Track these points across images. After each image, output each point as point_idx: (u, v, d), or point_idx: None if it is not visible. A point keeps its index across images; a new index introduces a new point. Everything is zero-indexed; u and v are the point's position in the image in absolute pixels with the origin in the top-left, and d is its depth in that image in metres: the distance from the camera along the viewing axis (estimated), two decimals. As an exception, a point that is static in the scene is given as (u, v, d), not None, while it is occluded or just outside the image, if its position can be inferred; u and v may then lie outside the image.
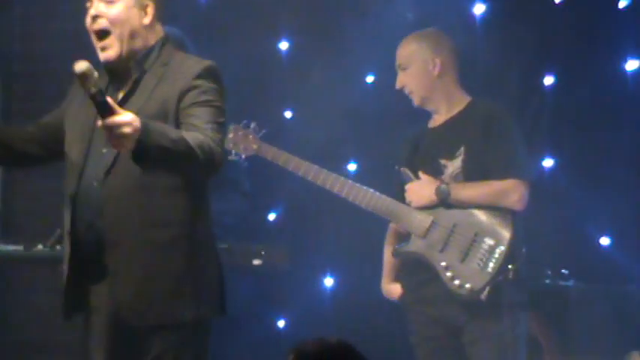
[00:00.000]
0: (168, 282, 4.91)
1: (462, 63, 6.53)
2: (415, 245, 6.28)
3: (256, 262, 6.65)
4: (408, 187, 6.34)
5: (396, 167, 6.46)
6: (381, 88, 6.92)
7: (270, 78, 7.37)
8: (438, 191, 6.20)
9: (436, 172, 6.30)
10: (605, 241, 7.37)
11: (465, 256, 6.17)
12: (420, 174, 6.31)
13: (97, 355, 5.03)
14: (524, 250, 6.22)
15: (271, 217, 7.75)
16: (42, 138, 5.17)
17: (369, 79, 7.63)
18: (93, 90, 4.49)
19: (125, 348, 5.01)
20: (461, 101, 6.42)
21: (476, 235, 6.15)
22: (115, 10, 4.97)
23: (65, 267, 5.01)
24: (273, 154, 6.38)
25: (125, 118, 4.51)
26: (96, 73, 4.51)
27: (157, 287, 4.90)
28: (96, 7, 4.96)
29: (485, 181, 6.22)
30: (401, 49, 6.51)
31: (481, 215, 6.19)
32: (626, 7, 7.54)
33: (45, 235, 6.97)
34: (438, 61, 6.40)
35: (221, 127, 5.00)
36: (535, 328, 6.77)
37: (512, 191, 6.15)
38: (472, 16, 7.52)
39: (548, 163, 7.35)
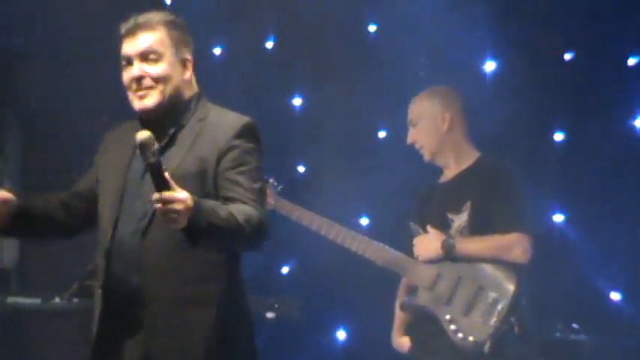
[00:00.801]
0: (204, 339, 4.83)
1: (472, 119, 6.61)
2: (422, 298, 6.38)
3: (270, 315, 6.70)
4: (415, 240, 6.44)
5: (407, 222, 6.56)
6: (393, 143, 6.99)
7: (284, 133, 7.37)
8: (444, 245, 6.29)
9: (444, 225, 6.40)
10: (615, 296, 7.36)
11: (469, 309, 6.23)
12: (428, 228, 6.40)
13: None
14: (525, 303, 6.25)
15: (284, 270, 7.75)
16: (76, 205, 5.08)
17: (381, 134, 7.68)
18: (152, 160, 4.46)
19: None
20: (470, 156, 6.52)
21: (480, 288, 6.23)
22: (159, 69, 4.90)
23: (96, 321, 4.91)
24: (288, 208, 6.43)
25: (180, 195, 4.45)
26: (157, 144, 4.49)
27: (194, 343, 4.82)
28: (140, 68, 4.90)
29: (490, 236, 6.28)
30: (412, 105, 6.62)
31: (486, 268, 6.26)
32: (635, 65, 7.58)
33: (61, 288, 7.00)
34: (447, 116, 6.50)
35: (262, 192, 4.93)
36: None
37: (516, 245, 6.21)
38: (483, 73, 7.60)
39: (558, 218, 7.39)
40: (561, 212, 7.44)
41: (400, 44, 7.49)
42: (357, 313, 7.50)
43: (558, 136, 7.59)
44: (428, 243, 6.37)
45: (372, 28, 7.87)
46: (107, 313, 4.88)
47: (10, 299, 7.15)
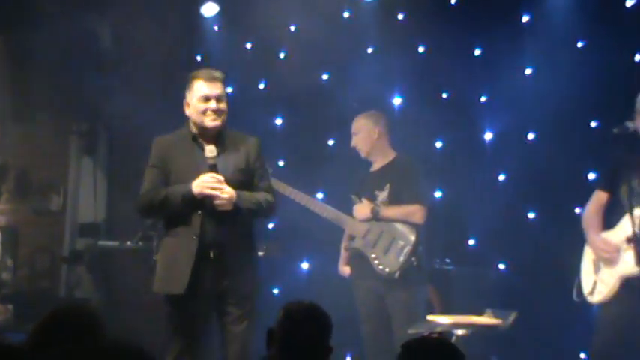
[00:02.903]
0: (250, 269, 5.11)
1: (391, 132, 6.48)
2: (357, 243, 6.37)
3: (260, 253, 6.64)
4: (355, 207, 6.40)
5: (349, 195, 6.49)
6: (343, 147, 6.74)
7: (270, 144, 6.57)
8: (372, 210, 6.31)
9: (373, 198, 6.36)
10: (471, 241, 7.39)
11: (386, 251, 6.24)
12: (363, 199, 6.37)
13: (196, 327, 5.04)
14: (421, 248, 6.24)
15: (270, 226, 7.60)
16: None
17: (330, 142, 7.60)
18: (212, 162, 4.98)
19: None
20: (390, 155, 6.45)
21: (394, 238, 6.24)
22: (225, 106, 5.10)
23: (192, 259, 4.93)
24: (276, 185, 6.11)
25: (229, 193, 4.94)
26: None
27: (247, 280, 5.07)
28: (218, 106, 5.04)
29: (400, 206, 6.28)
30: (354, 123, 6.51)
31: (398, 226, 6.26)
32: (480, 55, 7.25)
33: (132, 235, 6.91)
34: (377, 130, 6.43)
35: (270, 184, 5.30)
36: (430, 295, 6.74)
37: (416, 212, 6.24)
38: (392, 105, 7.53)
39: (438, 194, 7.30)
40: (440, 191, 7.36)
41: (341, 86, 7.35)
42: (317, 251, 7.36)
43: (438, 144, 7.48)
44: (362, 209, 6.36)
45: (325, 76, 7.69)
46: (200, 253, 4.98)
47: (100, 242, 7.13)
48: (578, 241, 5.74)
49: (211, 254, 5.00)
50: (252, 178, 5.18)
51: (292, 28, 7.72)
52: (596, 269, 5.60)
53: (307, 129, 6.89)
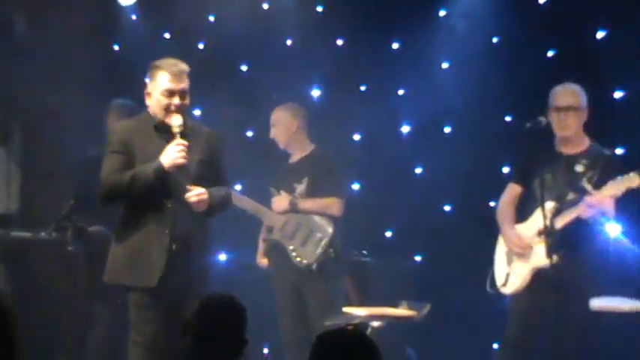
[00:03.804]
0: (205, 248, 5.12)
1: (309, 124, 6.48)
2: (276, 235, 6.37)
3: None
4: (273, 199, 6.41)
5: (267, 187, 6.47)
6: (263, 138, 6.70)
7: None
8: (290, 202, 6.32)
9: (291, 190, 6.37)
10: (388, 233, 7.45)
11: (304, 243, 6.26)
12: (281, 191, 6.38)
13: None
14: (339, 240, 6.26)
15: None
16: None
17: (249, 133, 7.55)
18: (178, 130, 4.85)
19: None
20: (308, 147, 6.46)
21: (311, 230, 6.26)
22: (188, 101, 4.98)
23: (165, 253, 4.86)
24: None
25: (203, 195, 4.88)
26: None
27: (203, 276, 5.05)
28: (182, 102, 4.91)
29: (318, 198, 6.29)
30: (273, 114, 6.49)
31: (315, 218, 6.28)
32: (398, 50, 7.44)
33: (46, 226, 6.68)
34: (295, 122, 6.42)
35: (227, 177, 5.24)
36: (348, 287, 6.73)
37: (334, 204, 6.27)
38: (312, 97, 7.49)
39: (356, 186, 7.30)
40: (358, 183, 7.35)
41: (260, 78, 7.29)
42: (234, 243, 7.23)
43: (357, 137, 7.49)
44: (281, 201, 6.37)
45: (244, 67, 7.62)
46: (173, 234, 4.89)
47: (13, 233, 6.94)
48: (492, 233, 5.80)
49: (175, 247, 4.91)
50: (214, 171, 5.11)
51: (211, 18, 7.63)
52: (509, 261, 5.67)
53: (226, 120, 6.83)
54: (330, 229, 6.29)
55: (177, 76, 4.95)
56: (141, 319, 4.98)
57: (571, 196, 5.49)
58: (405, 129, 7.47)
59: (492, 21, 7.09)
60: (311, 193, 6.38)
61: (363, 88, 7.55)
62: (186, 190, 4.92)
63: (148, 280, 4.90)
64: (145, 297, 4.94)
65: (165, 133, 4.97)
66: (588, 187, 5.43)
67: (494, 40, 7.20)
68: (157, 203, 4.91)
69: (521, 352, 5.56)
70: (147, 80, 5.05)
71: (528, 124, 5.37)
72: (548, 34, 6.90)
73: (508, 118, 7.10)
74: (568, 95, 5.55)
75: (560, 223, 5.37)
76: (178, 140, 4.87)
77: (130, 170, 4.90)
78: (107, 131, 6.54)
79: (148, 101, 5.04)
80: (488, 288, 5.72)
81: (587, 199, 5.31)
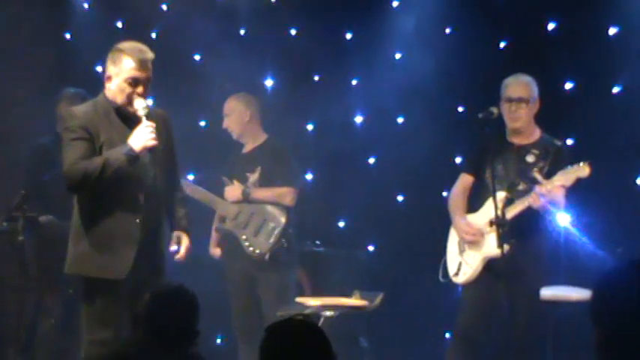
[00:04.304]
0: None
1: (263, 114, 6.48)
2: (228, 225, 6.35)
3: None
4: (226, 188, 6.39)
5: (221, 177, 6.46)
6: (214, 128, 6.72)
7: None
8: (243, 192, 6.32)
9: (244, 180, 6.36)
10: (341, 223, 7.49)
11: (257, 232, 6.26)
12: (234, 181, 6.36)
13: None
14: (291, 230, 6.29)
15: None
16: None
17: (202, 123, 7.47)
18: (145, 112, 4.69)
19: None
20: (261, 137, 6.45)
21: (264, 220, 6.26)
22: (148, 90, 4.82)
23: (135, 244, 4.71)
24: None
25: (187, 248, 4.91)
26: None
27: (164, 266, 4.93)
28: (145, 91, 4.76)
29: (271, 188, 6.30)
30: (226, 104, 6.47)
31: (268, 208, 6.28)
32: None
33: None
34: (248, 112, 6.41)
35: None
36: (300, 277, 6.80)
37: (287, 194, 6.29)
38: (265, 86, 7.47)
39: (309, 176, 7.34)
40: (311, 173, 7.34)
41: (213, 67, 7.16)
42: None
43: (310, 127, 7.50)
44: (233, 190, 6.36)
45: (197, 57, 7.53)
46: (144, 224, 4.76)
47: None
48: (444, 223, 5.82)
49: (146, 237, 4.79)
50: (171, 154, 5.00)
51: (164, 7, 7.56)
52: (461, 251, 5.71)
53: (179, 110, 6.77)
54: (283, 219, 6.30)
55: (143, 64, 4.77)
56: (102, 313, 4.75)
57: (522, 186, 5.53)
58: (358, 119, 7.49)
59: (445, 12, 7.13)
60: (264, 182, 6.37)
61: (316, 78, 7.54)
62: (155, 178, 4.82)
63: (117, 271, 4.72)
64: (111, 288, 4.73)
65: (125, 118, 4.81)
66: (539, 177, 5.47)
67: (447, 30, 7.23)
68: (126, 192, 4.75)
69: (473, 341, 5.59)
70: (108, 63, 4.83)
71: (480, 115, 5.39)
72: (500, 26, 6.95)
73: (460, 109, 7.16)
74: (519, 87, 5.58)
75: (511, 213, 5.40)
76: (147, 122, 4.72)
77: (99, 156, 4.72)
78: (60, 119, 6.53)
79: (108, 84, 4.83)
80: (440, 277, 5.75)
81: (538, 188, 5.33)
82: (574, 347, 5.54)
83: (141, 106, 4.74)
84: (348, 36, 7.48)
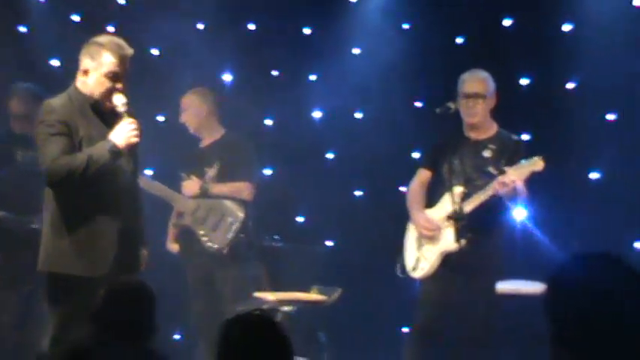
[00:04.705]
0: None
1: (220, 108, 6.45)
2: (186, 220, 6.35)
3: None
4: (183, 183, 6.39)
5: (178, 172, 6.47)
6: (174, 122, 6.65)
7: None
8: (201, 187, 6.31)
9: (202, 175, 6.35)
10: (300, 218, 7.48)
11: (215, 227, 6.25)
12: (192, 176, 6.36)
13: None
14: (250, 224, 6.30)
15: None
16: None
17: (160, 118, 7.41)
18: (125, 108, 4.70)
19: None
20: (219, 132, 6.45)
21: (222, 215, 6.25)
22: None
23: (115, 240, 4.67)
24: None
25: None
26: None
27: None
28: (121, 84, 4.74)
29: (229, 183, 6.29)
30: (184, 98, 6.47)
31: (227, 203, 6.27)
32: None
33: None
34: (205, 107, 6.41)
35: None
36: (259, 272, 6.63)
37: (245, 189, 6.29)
38: (222, 81, 7.42)
39: (267, 171, 7.30)
40: (270, 168, 7.30)
41: (171, 62, 7.18)
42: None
43: (268, 121, 7.45)
44: (191, 185, 6.35)
45: (155, 51, 7.44)
46: (123, 220, 4.73)
47: None
48: (402, 218, 5.83)
49: (125, 233, 4.76)
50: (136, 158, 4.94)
51: (122, 0, 7.51)
52: (419, 246, 5.73)
53: (137, 104, 6.72)
54: (241, 214, 6.29)
55: (124, 59, 4.76)
56: (76, 311, 4.57)
57: (479, 180, 5.56)
58: (317, 114, 7.48)
59: (402, 7, 7.15)
60: (222, 177, 6.36)
61: (274, 73, 7.52)
62: (132, 174, 4.83)
63: (98, 269, 4.64)
64: (89, 286, 4.54)
65: (102, 114, 4.77)
66: (495, 171, 5.50)
67: (405, 26, 7.26)
68: (105, 188, 4.69)
69: (430, 335, 5.61)
70: (85, 56, 4.78)
71: (438, 110, 5.43)
72: (457, 21, 6.98)
73: (418, 104, 7.18)
74: (475, 83, 5.62)
75: (468, 207, 5.44)
76: (129, 119, 4.71)
77: (82, 152, 4.65)
78: (13, 115, 6.45)
79: (83, 79, 4.77)
80: (398, 272, 5.77)
81: (501, 177, 5.35)
82: (530, 340, 5.55)
83: (120, 102, 4.73)
84: (307, 31, 7.47)
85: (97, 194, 4.67)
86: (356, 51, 7.38)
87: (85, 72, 4.76)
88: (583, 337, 2.22)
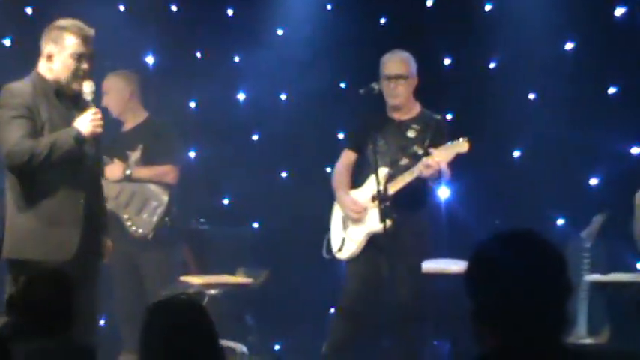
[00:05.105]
0: None
1: (144, 91, 6.40)
2: (109, 205, 5.97)
3: None
4: (106, 168, 6.12)
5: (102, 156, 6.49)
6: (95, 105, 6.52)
7: None
8: (123, 171, 6.25)
9: (125, 159, 6.29)
10: (225, 201, 7.41)
11: (139, 211, 6.20)
12: (115, 160, 6.28)
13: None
14: (175, 208, 6.25)
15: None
16: None
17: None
18: (91, 97, 4.73)
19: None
20: (142, 116, 6.39)
21: (146, 199, 6.20)
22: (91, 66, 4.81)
23: (80, 224, 4.67)
24: None
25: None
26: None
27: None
28: (90, 67, 4.77)
29: (153, 166, 6.25)
30: (106, 81, 6.33)
31: (151, 187, 6.22)
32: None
33: None
34: (128, 89, 6.35)
35: None
36: (186, 256, 6.77)
37: (169, 173, 6.24)
38: (146, 64, 7.37)
39: (192, 154, 7.23)
40: (194, 151, 7.29)
41: (94, 45, 7.05)
42: None
43: (192, 104, 7.38)
44: (114, 169, 6.27)
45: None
46: (87, 205, 4.73)
47: None
48: (328, 199, 5.85)
49: (89, 217, 4.76)
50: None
51: (41, -18, 7.34)
52: (345, 227, 5.74)
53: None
54: (166, 198, 6.25)
55: (86, 39, 4.78)
56: None
57: (404, 161, 5.59)
58: (241, 96, 7.47)
59: (326, -12, 7.16)
60: (145, 161, 6.32)
61: (198, 54, 7.48)
62: (95, 159, 4.84)
63: (65, 253, 4.64)
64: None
65: (66, 99, 4.79)
66: (420, 152, 5.53)
67: (328, 7, 7.27)
68: (69, 172, 4.70)
69: (357, 316, 5.64)
70: (47, 42, 4.79)
71: (361, 91, 5.44)
72: (380, 2, 7.05)
73: (342, 85, 7.21)
74: (397, 64, 5.64)
75: (393, 188, 5.46)
76: (95, 109, 4.75)
77: (46, 137, 4.64)
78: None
79: (48, 64, 4.76)
80: (324, 253, 5.78)
81: (426, 159, 5.38)
82: (455, 319, 5.64)
83: (88, 89, 4.76)
84: (230, 12, 7.43)
85: (60, 177, 4.67)
86: (279, 32, 7.38)
87: (50, 57, 4.77)
88: (503, 315, 2.24)
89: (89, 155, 4.79)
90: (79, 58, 4.76)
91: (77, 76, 4.76)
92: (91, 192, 4.79)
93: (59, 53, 4.75)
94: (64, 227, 4.68)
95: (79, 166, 4.73)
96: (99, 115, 4.74)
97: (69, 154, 4.64)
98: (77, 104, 4.80)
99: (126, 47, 7.04)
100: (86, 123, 4.70)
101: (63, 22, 4.85)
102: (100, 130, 4.75)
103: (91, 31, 4.83)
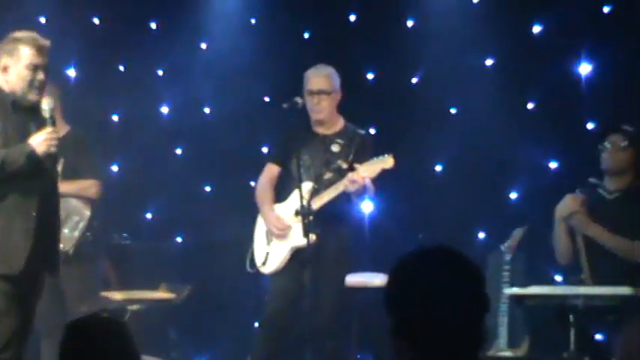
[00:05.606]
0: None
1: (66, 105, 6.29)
2: None
3: None
4: None
5: None
6: None
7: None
8: None
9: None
10: (148, 215, 7.34)
11: (61, 226, 5.86)
12: None
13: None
14: (96, 223, 6.14)
15: None
16: None
17: None
18: (50, 114, 4.76)
19: None
20: (63, 129, 6.06)
21: (68, 214, 6.06)
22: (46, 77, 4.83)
23: (31, 237, 4.69)
24: None
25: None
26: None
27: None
28: (44, 78, 4.80)
29: (75, 180, 6.07)
30: None
31: (72, 201, 6.10)
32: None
33: None
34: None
35: None
36: (107, 271, 6.69)
37: (91, 187, 6.14)
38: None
39: (114, 168, 7.18)
40: (117, 165, 7.23)
41: None
42: None
43: (115, 117, 7.35)
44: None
45: None
46: (40, 218, 4.74)
47: None
48: (251, 213, 5.85)
49: (41, 230, 4.75)
50: None
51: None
52: (269, 241, 5.75)
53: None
54: (88, 212, 6.17)
55: (41, 50, 4.80)
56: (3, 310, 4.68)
57: (328, 175, 5.63)
58: (165, 109, 7.46)
59: (250, 2, 7.22)
60: (67, 175, 6.07)
61: (121, 68, 7.45)
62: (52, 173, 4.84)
63: (14, 266, 4.66)
64: (5, 285, 4.67)
65: (22, 111, 4.82)
66: (344, 166, 5.57)
67: (252, 21, 7.30)
68: (22, 185, 4.73)
69: (281, 330, 5.65)
70: (2, 55, 4.82)
71: (285, 105, 5.46)
72: (304, 16, 7.08)
73: (266, 99, 7.22)
74: (319, 79, 5.68)
75: (317, 203, 5.50)
76: (52, 128, 4.78)
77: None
78: None
79: (4, 77, 4.81)
80: (248, 267, 5.77)
81: (351, 175, 5.40)
82: (378, 332, 5.67)
83: (47, 106, 4.80)
84: (153, 25, 7.43)
85: (12, 190, 4.71)
86: (203, 45, 7.38)
87: (5, 69, 4.82)
88: (420, 330, 2.26)
89: (44, 170, 4.82)
90: (34, 68, 4.79)
91: (33, 86, 4.80)
92: (44, 205, 4.78)
93: (14, 65, 4.79)
94: (14, 239, 4.69)
95: (32, 180, 4.74)
96: (54, 135, 4.78)
97: (21, 169, 4.69)
98: (34, 117, 4.83)
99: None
100: (41, 141, 4.74)
101: (18, 34, 4.88)
102: (54, 149, 4.78)
103: (46, 42, 4.86)
